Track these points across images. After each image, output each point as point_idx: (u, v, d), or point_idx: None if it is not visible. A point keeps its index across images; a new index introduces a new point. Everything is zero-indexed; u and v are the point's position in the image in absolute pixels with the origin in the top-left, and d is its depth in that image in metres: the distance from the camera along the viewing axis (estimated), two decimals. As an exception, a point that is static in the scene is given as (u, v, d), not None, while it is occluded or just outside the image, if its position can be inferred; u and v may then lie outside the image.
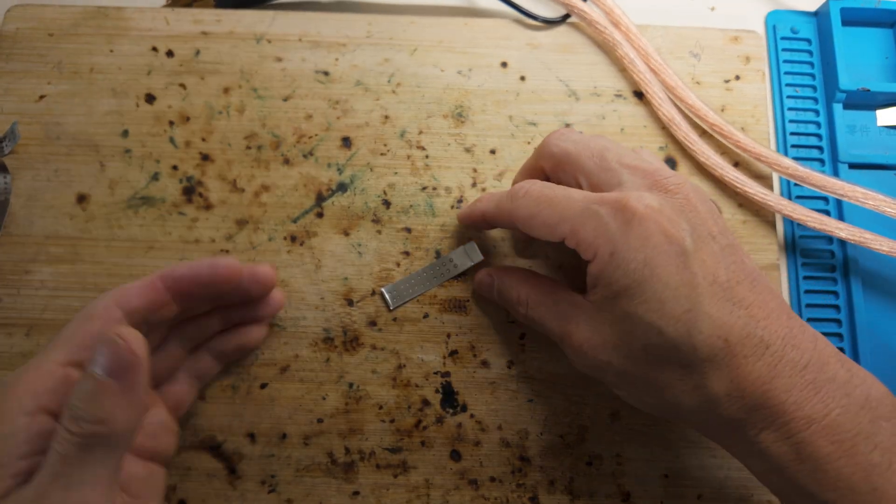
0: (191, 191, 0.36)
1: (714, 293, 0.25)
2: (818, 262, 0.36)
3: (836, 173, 0.38)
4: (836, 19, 0.39)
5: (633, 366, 0.26)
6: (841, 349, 0.35)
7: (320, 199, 0.36)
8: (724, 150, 0.37)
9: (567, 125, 0.37)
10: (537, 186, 0.29)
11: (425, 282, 0.35)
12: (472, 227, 0.34)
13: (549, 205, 0.28)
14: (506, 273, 0.33)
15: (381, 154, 0.37)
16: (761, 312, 0.25)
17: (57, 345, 0.26)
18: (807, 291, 0.36)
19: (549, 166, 0.31)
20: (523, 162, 0.37)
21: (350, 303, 0.35)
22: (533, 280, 0.32)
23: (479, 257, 0.34)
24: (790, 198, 0.37)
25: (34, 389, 0.25)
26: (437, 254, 0.35)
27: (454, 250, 0.35)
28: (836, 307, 0.36)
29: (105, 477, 0.24)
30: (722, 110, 0.38)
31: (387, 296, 0.34)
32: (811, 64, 0.40)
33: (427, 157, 0.37)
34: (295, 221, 0.36)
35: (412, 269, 0.35)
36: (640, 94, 0.38)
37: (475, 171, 0.37)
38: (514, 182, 0.33)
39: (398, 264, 0.35)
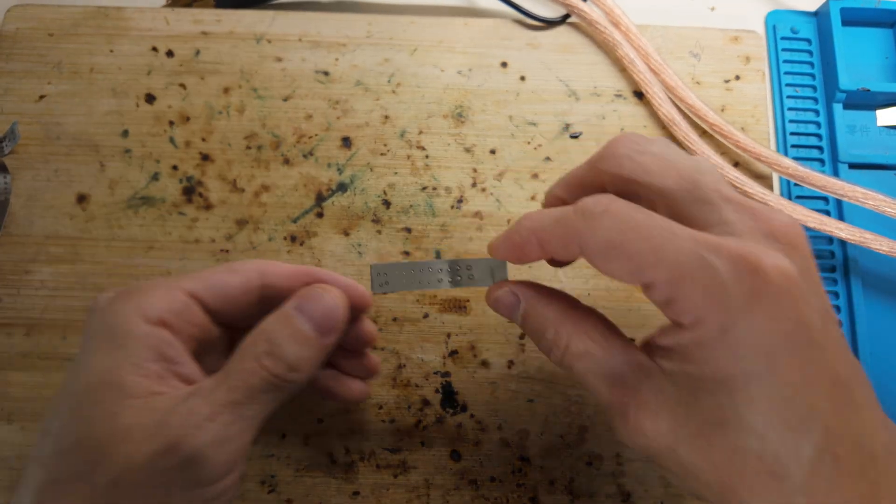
0: (191, 191, 0.36)
1: (835, 397, 0.20)
2: (818, 262, 0.36)
3: (836, 173, 0.38)
4: (836, 19, 0.39)
5: (706, 462, 0.20)
6: (841, 349, 0.35)
7: (320, 199, 0.36)
8: (724, 150, 0.37)
9: (567, 125, 0.37)
10: (620, 205, 0.21)
11: (425, 278, 0.27)
12: (512, 257, 0.25)
13: (638, 234, 0.20)
14: (539, 297, 0.25)
15: (381, 154, 0.37)
16: (869, 415, 0.20)
17: (190, 278, 0.26)
18: (807, 291, 0.36)
19: (615, 183, 0.23)
20: (524, 162, 0.37)
21: (350, 303, 0.35)
22: (578, 316, 0.24)
23: (502, 279, 0.27)
24: (790, 198, 0.37)
25: (159, 303, 0.24)
26: (437, 254, 0.35)
27: (477, 259, 0.27)
28: (837, 307, 0.36)
29: (261, 422, 0.24)
30: (722, 110, 0.38)
31: (372, 277, 0.27)
32: (811, 64, 0.40)
33: (427, 157, 0.37)
34: (295, 221, 0.36)
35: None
36: (640, 94, 0.38)
37: (475, 171, 0.37)
38: (550, 198, 0.26)
39: (398, 264, 0.35)
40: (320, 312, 0.25)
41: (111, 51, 0.38)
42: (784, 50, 0.40)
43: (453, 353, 0.34)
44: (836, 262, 0.36)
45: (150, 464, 0.22)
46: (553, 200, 0.26)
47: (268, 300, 0.27)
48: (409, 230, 0.36)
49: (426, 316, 0.35)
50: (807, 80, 0.39)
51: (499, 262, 0.27)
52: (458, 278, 0.27)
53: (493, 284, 0.26)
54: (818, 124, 0.39)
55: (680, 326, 0.20)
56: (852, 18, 0.40)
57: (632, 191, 0.23)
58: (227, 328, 0.28)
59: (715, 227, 0.21)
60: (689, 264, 0.20)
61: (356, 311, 0.27)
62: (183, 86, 0.38)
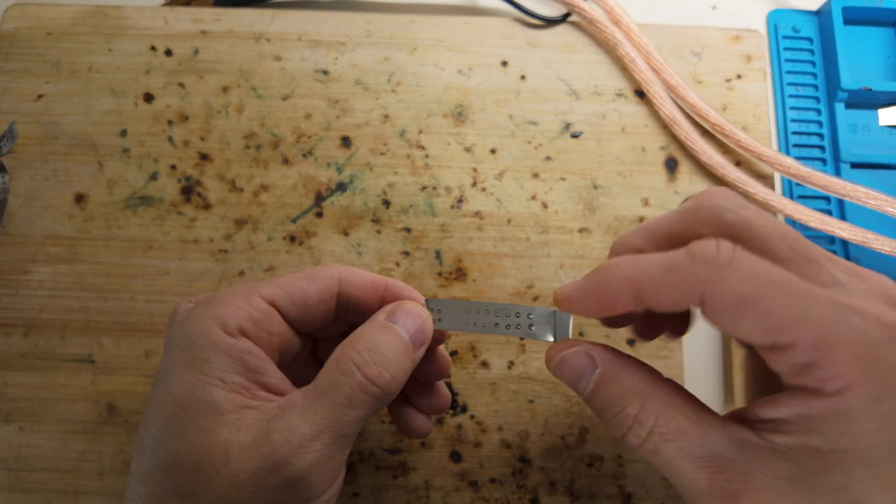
0: (189, 190, 0.36)
1: None
2: (820, 262, 0.36)
3: (837, 173, 0.38)
4: (837, 18, 0.39)
5: None
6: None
7: (319, 198, 0.36)
8: (725, 150, 0.37)
9: (568, 124, 0.37)
10: (746, 257, 0.19)
11: (480, 320, 0.26)
12: (595, 311, 0.22)
13: (778, 289, 0.19)
14: (619, 365, 0.22)
15: (381, 154, 0.37)
16: None
17: (269, 284, 0.25)
18: (808, 291, 0.36)
19: (714, 235, 0.21)
20: (524, 161, 0.37)
21: (349, 303, 0.35)
22: (663, 390, 0.21)
23: (565, 336, 0.25)
24: (792, 197, 0.37)
25: (238, 313, 0.24)
26: (437, 254, 0.35)
27: (538, 308, 0.25)
28: (838, 307, 0.36)
29: (353, 439, 0.24)
30: (723, 109, 0.38)
31: (433, 314, 0.26)
32: (813, 63, 0.39)
33: (427, 156, 0.37)
34: (294, 221, 0.36)
35: (412, 269, 0.35)
36: (641, 94, 0.38)
37: (475, 170, 0.37)
38: (622, 248, 0.24)
39: (398, 264, 0.35)
40: (414, 325, 0.25)
41: (110, 50, 0.38)
42: (786, 49, 0.40)
43: (453, 353, 0.34)
44: (838, 262, 0.36)
45: (255, 483, 0.22)
46: (627, 251, 0.23)
47: (343, 309, 0.26)
48: (408, 230, 0.36)
49: (426, 316, 0.34)
50: (808, 80, 0.39)
51: (563, 316, 0.24)
52: (519, 326, 0.25)
53: (559, 342, 0.24)
54: (820, 123, 0.38)
55: (818, 393, 0.19)
56: (854, 17, 0.40)
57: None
58: (306, 336, 0.27)
59: (830, 288, 0.20)
60: (837, 326, 0.18)
61: (434, 340, 0.26)
62: (182, 85, 0.37)
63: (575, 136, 0.37)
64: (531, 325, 0.25)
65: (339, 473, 0.24)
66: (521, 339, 0.32)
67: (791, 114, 0.39)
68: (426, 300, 0.26)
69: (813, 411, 0.19)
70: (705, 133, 0.37)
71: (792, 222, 0.37)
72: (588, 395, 0.22)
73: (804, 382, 0.19)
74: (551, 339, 0.25)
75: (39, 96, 0.37)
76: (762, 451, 0.19)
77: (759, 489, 0.19)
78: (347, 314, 0.27)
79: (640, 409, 0.21)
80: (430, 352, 0.27)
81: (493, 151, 0.37)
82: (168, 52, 0.38)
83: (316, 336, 0.28)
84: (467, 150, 0.37)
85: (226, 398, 0.23)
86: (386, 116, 0.37)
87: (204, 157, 0.36)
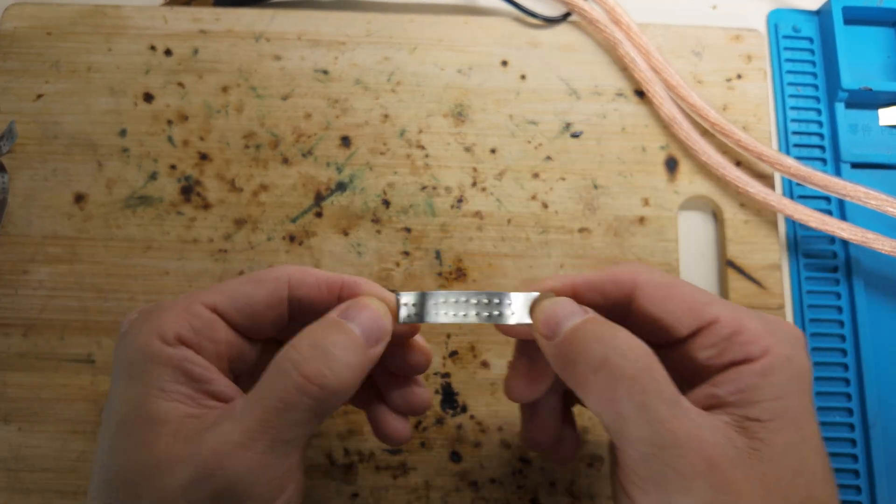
0: (189, 190, 0.36)
1: None
2: (820, 262, 0.36)
3: (838, 173, 0.38)
4: (838, 18, 0.39)
5: None
6: (843, 351, 0.35)
7: (319, 198, 0.36)
8: (725, 150, 0.37)
9: (568, 124, 0.37)
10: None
11: (456, 309, 0.25)
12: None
13: (686, 283, 0.24)
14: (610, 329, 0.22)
15: (381, 153, 0.37)
16: None
17: (212, 291, 0.24)
18: (809, 292, 0.36)
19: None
20: (524, 161, 0.37)
21: (349, 303, 0.34)
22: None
23: None
24: (792, 197, 0.37)
25: (176, 322, 0.23)
26: (437, 254, 0.35)
27: (517, 293, 0.25)
28: (839, 308, 0.36)
29: (304, 441, 0.23)
30: (724, 109, 0.38)
31: (401, 307, 0.25)
32: (813, 63, 0.39)
33: (427, 156, 0.37)
34: (294, 221, 0.36)
35: (412, 269, 0.35)
36: (641, 93, 0.38)
37: (475, 170, 0.37)
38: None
39: (398, 264, 0.35)
40: (369, 320, 0.23)
41: (109, 49, 0.38)
42: (786, 49, 0.40)
43: (453, 353, 0.34)
44: (839, 262, 0.36)
45: (185, 495, 0.21)
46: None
47: (296, 312, 0.25)
48: (408, 230, 0.36)
49: (426, 316, 0.34)
50: (809, 79, 0.39)
51: (548, 297, 0.24)
52: (500, 314, 0.25)
53: (541, 295, 0.24)
54: (820, 123, 0.38)
55: (747, 360, 0.21)
56: (854, 17, 0.40)
57: None
58: (264, 343, 0.26)
59: None
60: (738, 306, 0.23)
61: (404, 332, 0.26)
62: (181, 85, 0.37)
63: (575, 135, 0.37)
64: (512, 313, 0.25)
65: (287, 482, 0.22)
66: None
67: (791, 113, 0.39)
68: (397, 294, 0.25)
69: (746, 379, 0.21)
70: (705, 133, 0.37)
71: (792, 222, 0.37)
72: (566, 339, 0.23)
73: (732, 357, 0.22)
74: (528, 321, 0.25)
75: (39, 96, 0.37)
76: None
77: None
78: (302, 317, 0.25)
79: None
80: (407, 344, 0.26)
81: (493, 151, 0.37)
82: (167, 52, 0.38)
83: (280, 340, 0.26)
84: (467, 149, 0.37)
85: (167, 408, 0.22)
86: (386, 116, 0.37)
87: (203, 156, 0.36)
